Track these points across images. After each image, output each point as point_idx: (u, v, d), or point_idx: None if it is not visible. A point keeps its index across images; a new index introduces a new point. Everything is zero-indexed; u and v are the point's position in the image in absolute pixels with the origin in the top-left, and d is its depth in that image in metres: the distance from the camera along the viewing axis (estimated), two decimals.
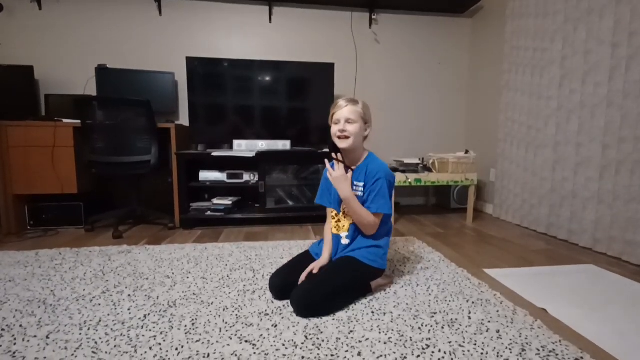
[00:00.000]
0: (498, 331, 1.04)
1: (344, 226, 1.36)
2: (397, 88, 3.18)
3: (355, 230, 1.33)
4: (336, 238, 1.37)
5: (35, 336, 1.01)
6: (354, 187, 1.32)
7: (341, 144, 1.29)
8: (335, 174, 1.29)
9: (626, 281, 1.47)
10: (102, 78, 2.56)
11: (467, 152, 2.69)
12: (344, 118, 1.28)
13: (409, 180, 2.48)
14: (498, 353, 0.93)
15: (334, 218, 1.40)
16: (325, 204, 1.46)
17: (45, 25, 2.68)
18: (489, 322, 1.10)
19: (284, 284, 1.25)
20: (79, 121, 2.12)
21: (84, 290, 1.34)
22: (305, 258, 1.40)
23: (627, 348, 0.98)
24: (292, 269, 1.31)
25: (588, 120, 1.92)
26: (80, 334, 1.02)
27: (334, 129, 1.30)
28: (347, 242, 1.34)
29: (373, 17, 3.05)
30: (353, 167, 1.34)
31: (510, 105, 2.56)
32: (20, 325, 1.07)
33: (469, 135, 3.27)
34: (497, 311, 1.17)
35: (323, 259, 1.33)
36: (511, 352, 0.93)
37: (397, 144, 3.21)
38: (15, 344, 0.97)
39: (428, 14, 3.14)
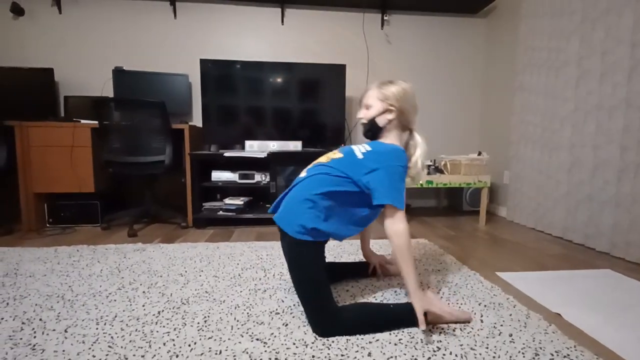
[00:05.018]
0: (511, 335, 1.03)
1: None
2: None
3: None
4: None
5: (54, 330, 1.04)
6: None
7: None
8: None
9: None
10: (118, 80, 2.62)
11: (480, 153, 2.65)
12: (363, 104, 1.21)
13: (420, 182, 2.46)
14: (510, 357, 0.92)
15: None
16: None
17: (64, 28, 2.77)
18: (502, 325, 1.08)
19: None
20: (97, 122, 2.18)
21: (100, 286, 1.37)
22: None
23: None
24: None
25: (605, 122, 1.88)
26: (97, 328, 1.05)
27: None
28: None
29: (385, 17, 3.04)
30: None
31: (525, 106, 2.52)
32: (40, 319, 1.10)
33: (482, 136, 3.23)
34: (510, 315, 1.15)
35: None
36: (524, 356, 0.92)
37: None
38: (35, 337, 1.00)
39: (441, 15, 3.11)
